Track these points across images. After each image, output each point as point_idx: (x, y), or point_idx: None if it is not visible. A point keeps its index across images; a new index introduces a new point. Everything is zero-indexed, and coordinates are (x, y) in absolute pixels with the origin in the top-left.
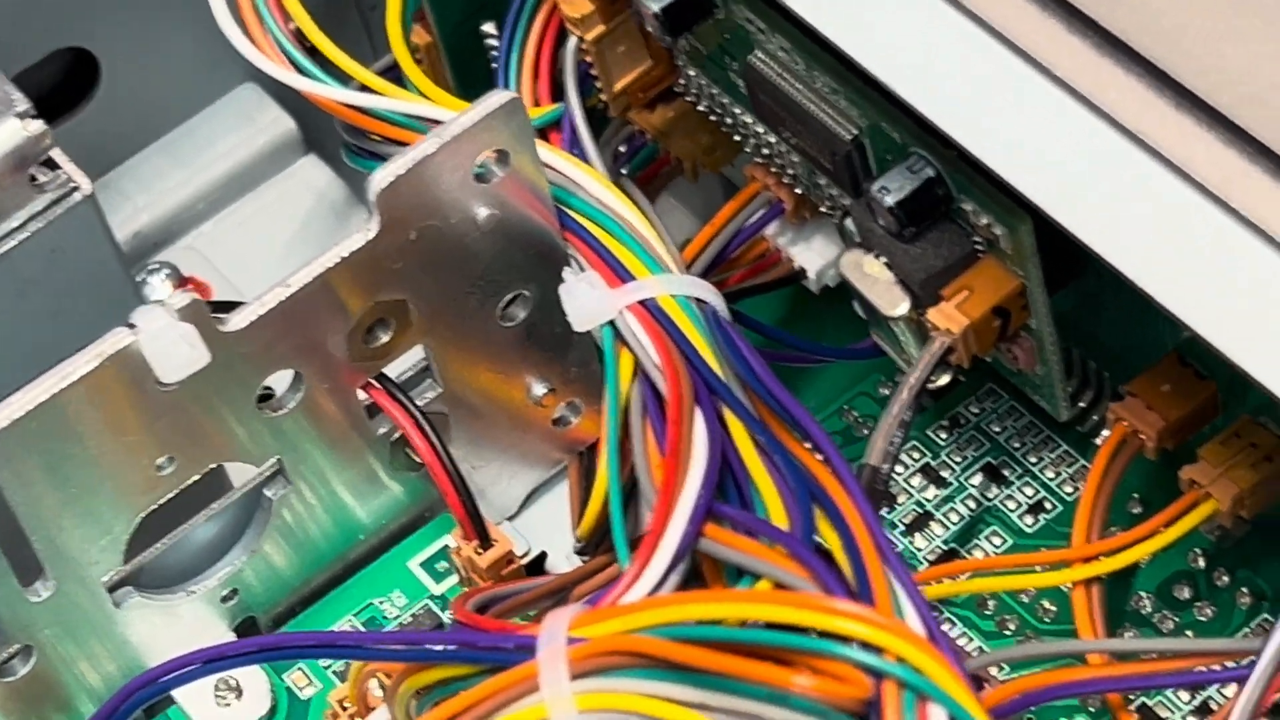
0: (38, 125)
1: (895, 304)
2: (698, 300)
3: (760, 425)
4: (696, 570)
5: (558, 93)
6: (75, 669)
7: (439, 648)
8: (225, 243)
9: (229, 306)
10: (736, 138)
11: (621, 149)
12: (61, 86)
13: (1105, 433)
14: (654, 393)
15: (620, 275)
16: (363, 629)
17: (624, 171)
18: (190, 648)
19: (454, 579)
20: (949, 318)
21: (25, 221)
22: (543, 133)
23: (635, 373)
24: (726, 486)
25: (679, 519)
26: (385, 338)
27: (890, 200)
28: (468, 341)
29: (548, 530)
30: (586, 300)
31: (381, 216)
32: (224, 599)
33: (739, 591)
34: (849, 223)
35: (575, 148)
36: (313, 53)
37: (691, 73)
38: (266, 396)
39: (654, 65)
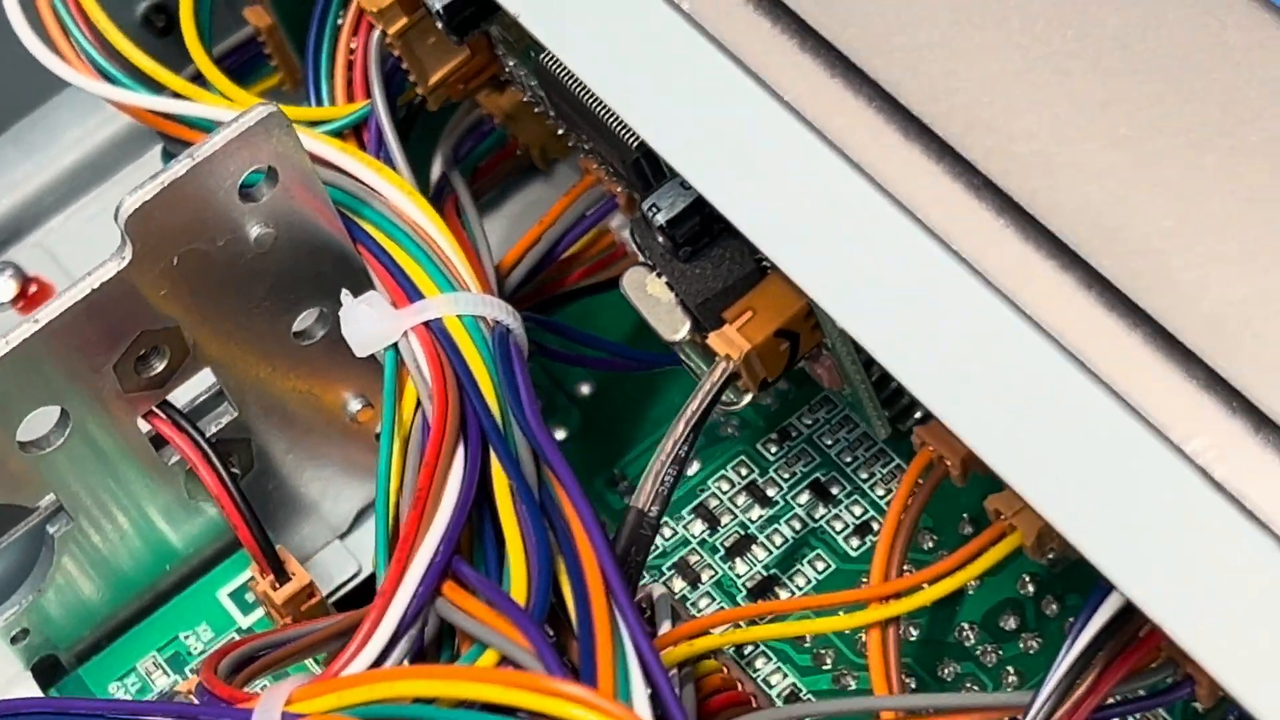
0: None
1: (676, 328)
2: (497, 322)
3: (519, 474)
4: None
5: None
6: None
7: (160, 718)
8: (74, 238)
9: None
10: (560, 131)
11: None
12: None
13: None
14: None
15: (409, 294)
16: (169, 665)
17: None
18: None
19: (262, 610)
20: (730, 342)
21: None
22: (357, 131)
23: (418, 400)
24: (485, 536)
25: (411, 577)
26: (160, 366)
27: (661, 219)
28: (262, 362)
29: None
30: (366, 323)
31: (134, 244)
32: (13, 640)
33: (456, 669)
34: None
35: (381, 149)
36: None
37: (510, 63)
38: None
39: (472, 55)
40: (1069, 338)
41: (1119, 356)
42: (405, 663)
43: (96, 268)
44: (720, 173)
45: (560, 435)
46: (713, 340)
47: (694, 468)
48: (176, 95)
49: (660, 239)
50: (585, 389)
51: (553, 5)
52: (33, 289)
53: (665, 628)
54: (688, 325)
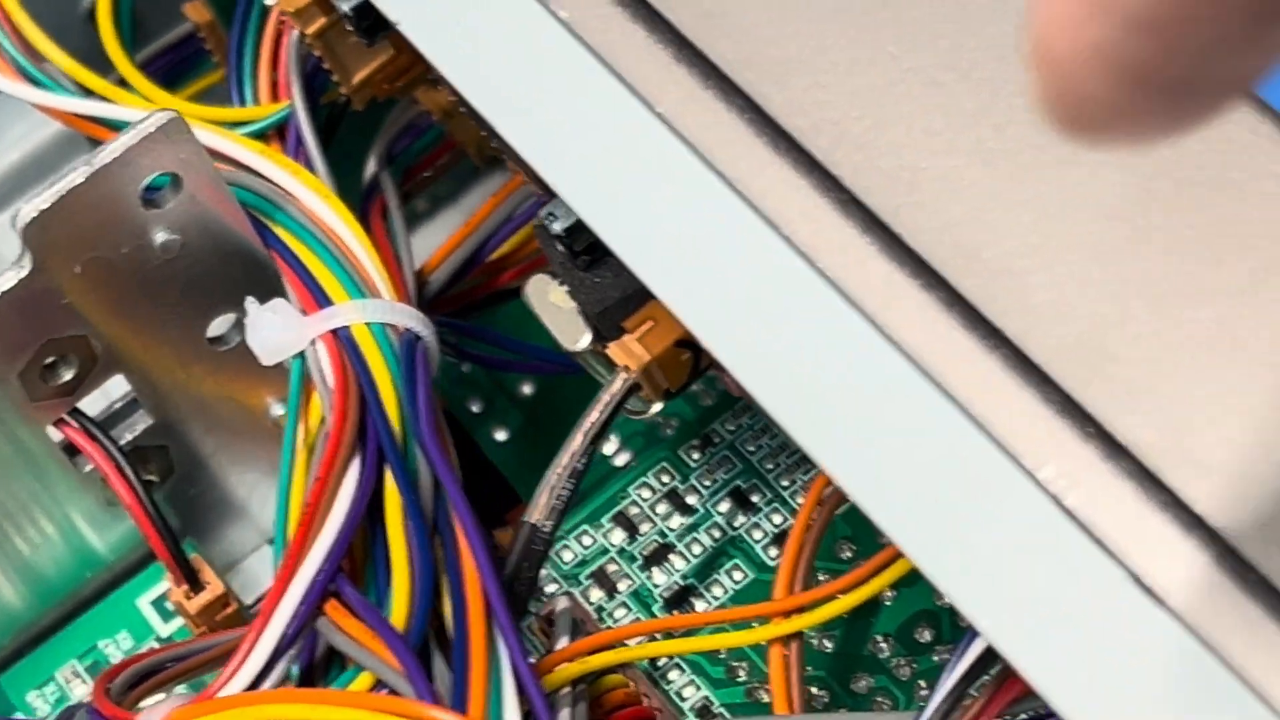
0: None
1: (576, 337)
2: (407, 330)
3: (410, 491)
4: None
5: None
6: None
7: None
8: (13, 242)
9: None
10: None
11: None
12: None
13: None
14: None
15: (319, 300)
16: (88, 673)
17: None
18: None
19: (182, 620)
20: (629, 353)
21: None
22: (281, 132)
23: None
24: (376, 554)
25: (291, 597)
26: (69, 374)
27: (557, 227)
28: (178, 368)
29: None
30: (270, 331)
31: (33, 254)
32: None
33: (327, 693)
34: None
35: (300, 151)
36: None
37: None
38: None
39: (398, 54)
40: (928, 359)
41: (977, 379)
42: (291, 681)
43: None
44: (591, 187)
45: (501, 436)
46: (612, 350)
47: (627, 468)
48: (99, 98)
49: (558, 247)
50: (527, 389)
51: (432, 13)
52: None
53: (562, 643)
54: (589, 335)
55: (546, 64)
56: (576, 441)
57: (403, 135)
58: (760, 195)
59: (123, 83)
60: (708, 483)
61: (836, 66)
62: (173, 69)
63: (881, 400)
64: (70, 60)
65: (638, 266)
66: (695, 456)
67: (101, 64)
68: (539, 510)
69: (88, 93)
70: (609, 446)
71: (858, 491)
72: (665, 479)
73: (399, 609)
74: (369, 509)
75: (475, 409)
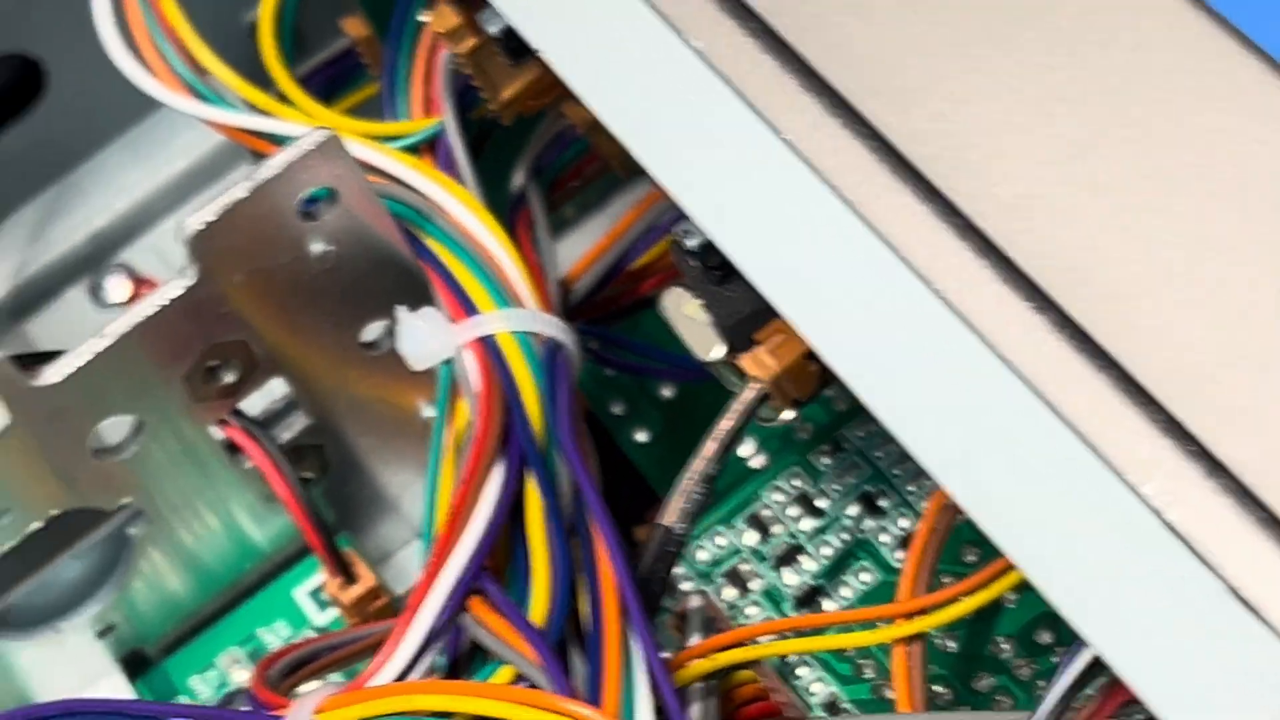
0: None
1: (709, 348)
2: (550, 338)
3: (551, 494)
4: None
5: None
6: None
7: None
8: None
9: (51, 357)
10: None
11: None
12: (9, 91)
13: None
14: None
15: (467, 309)
16: (248, 660)
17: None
18: (73, 681)
19: (337, 610)
20: (759, 364)
21: None
22: (433, 146)
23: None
24: (518, 553)
25: (438, 593)
26: (230, 377)
27: (692, 243)
28: (333, 372)
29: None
30: (420, 339)
31: (199, 264)
32: (101, 634)
33: (470, 685)
34: None
35: (451, 165)
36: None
37: None
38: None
39: (543, 72)
40: (1039, 378)
41: (1085, 399)
42: (438, 673)
43: (164, 285)
44: (721, 209)
45: (642, 437)
46: (744, 362)
47: (761, 471)
48: (261, 112)
49: (692, 262)
50: (667, 393)
51: (573, 41)
52: (145, 290)
53: (695, 640)
54: (722, 346)
55: (680, 91)
56: (708, 448)
57: (549, 148)
58: (881, 219)
59: (283, 97)
60: (837, 487)
61: (955, 96)
62: (331, 82)
63: (994, 417)
64: (233, 75)
65: (763, 284)
66: (825, 461)
67: (261, 77)
68: (672, 513)
69: (249, 107)
70: (745, 449)
71: (971, 504)
72: (797, 483)
73: (538, 606)
74: (510, 510)
75: (617, 411)
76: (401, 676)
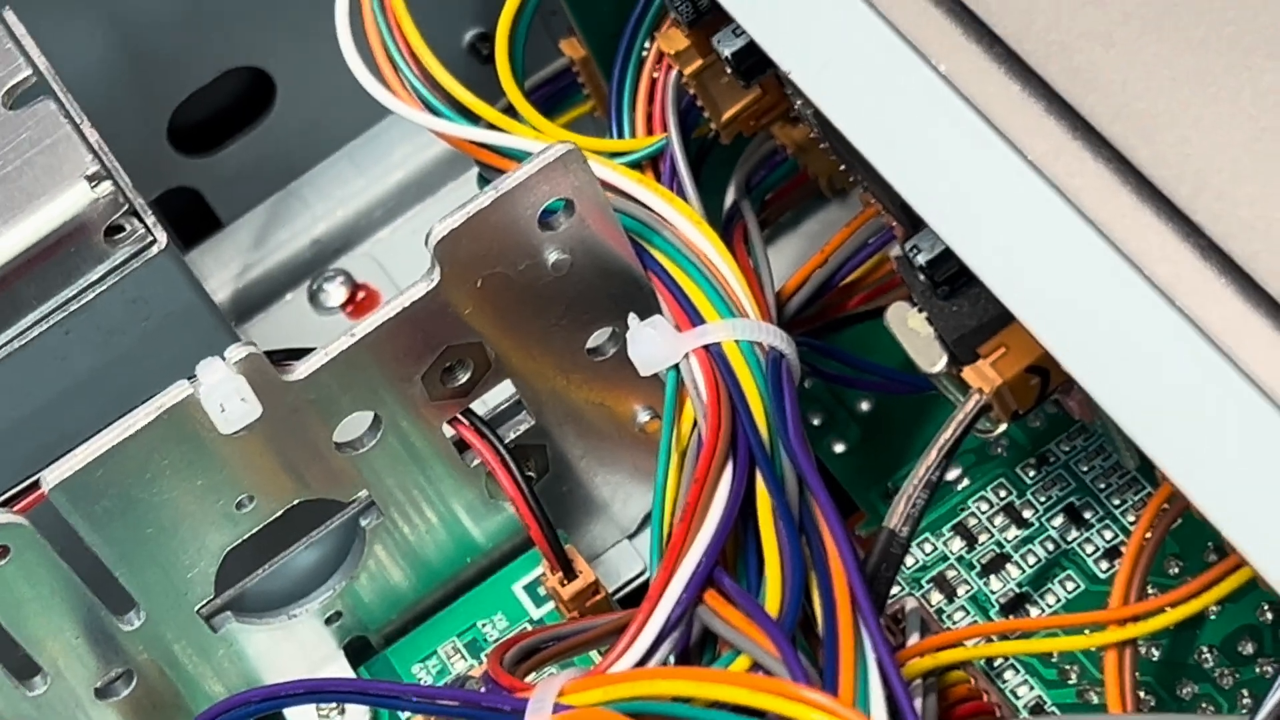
0: (105, 188)
1: (933, 361)
2: (771, 347)
3: (781, 494)
4: None
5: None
6: (187, 687)
7: (449, 703)
8: (401, 249)
9: (301, 354)
10: (841, 167)
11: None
12: (240, 103)
13: None
14: None
15: (692, 318)
16: (466, 650)
17: (751, 189)
18: (300, 665)
19: (552, 604)
20: (983, 376)
21: (104, 275)
22: (654, 162)
23: (695, 419)
24: (748, 549)
25: (676, 585)
26: (464, 377)
27: (922, 259)
28: (558, 375)
29: None
30: (650, 345)
31: (442, 267)
32: (328, 620)
33: (711, 672)
34: None
35: (674, 180)
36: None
37: (798, 102)
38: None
39: (763, 93)
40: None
41: None
42: (670, 662)
43: (408, 288)
44: (965, 225)
45: (839, 448)
46: (967, 374)
47: (961, 484)
48: (491, 126)
49: (921, 278)
50: (864, 406)
51: (820, 64)
52: (361, 295)
53: (914, 639)
54: (945, 359)
55: (925, 111)
56: (932, 456)
57: (759, 167)
58: (1124, 237)
59: (509, 110)
60: (1043, 498)
61: (1200, 123)
62: (547, 100)
63: (1235, 427)
64: (464, 89)
65: (1004, 294)
66: (1031, 474)
67: (481, 91)
68: (896, 517)
69: (474, 119)
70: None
71: (1204, 502)
72: (1002, 494)
73: (773, 600)
74: (741, 508)
75: (816, 422)
76: (641, 663)
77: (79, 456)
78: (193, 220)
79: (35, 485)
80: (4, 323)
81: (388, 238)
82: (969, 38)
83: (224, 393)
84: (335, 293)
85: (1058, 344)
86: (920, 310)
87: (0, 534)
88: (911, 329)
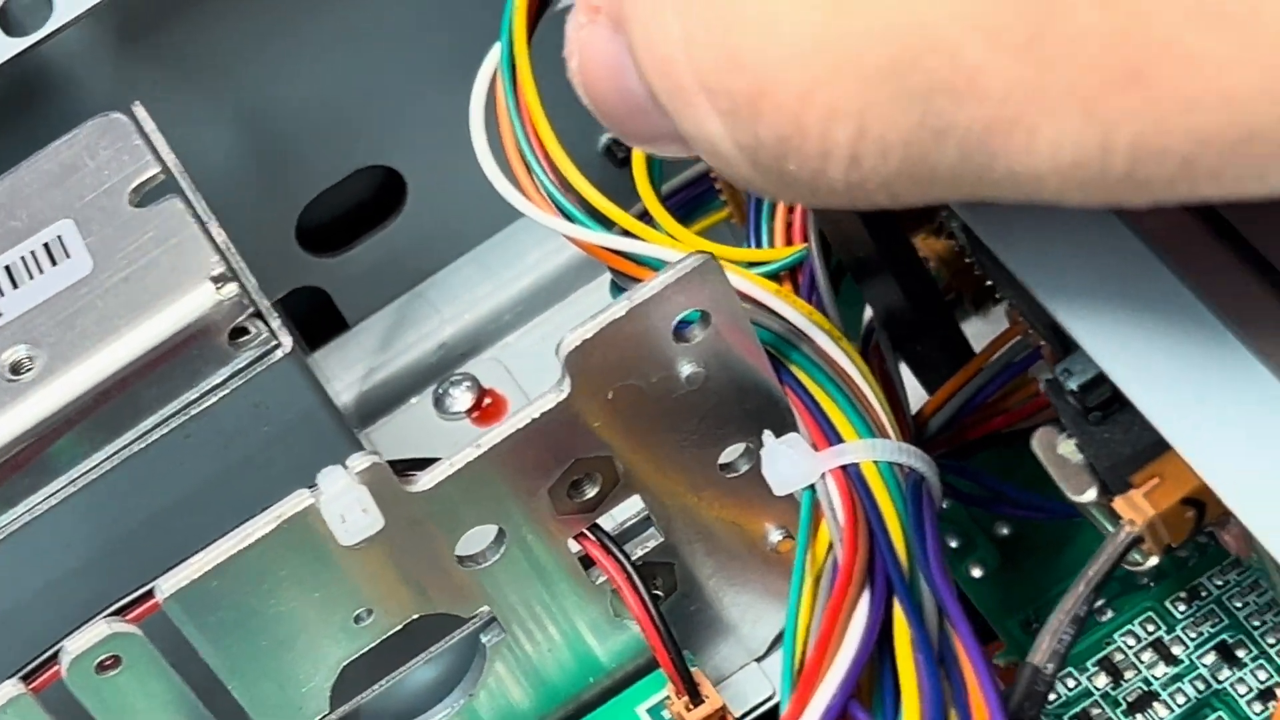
0: (231, 289)
1: (1082, 489)
2: (912, 469)
3: (920, 624)
4: None
5: None
6: None
7: None
8: (528, 354)
9: (424, 464)
10: (988, 283)
11: None
12: (371, 202)
13: None
14: None
15: (829, 437)
16: None
17: None
18: None
19: None
20: (1135, 507)
21: (227, 378)
22: (792, 273)
23: (831, 542)
24: (884, 681)
25: (809, 718)
26: (592, 491)
27: (1073, 384)
28: (689, 491)
29: None
30: (785, 464)
31: (573, 378)
32: None
33: None
34: None
35: (813, 293)
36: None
37: (943, 214)
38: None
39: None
40: None
41: None
42: None
43: (537, 398)
44: (1121, 349)
45: (977, 573)
46: (1118, 504)
47: (1105, 615)
48: (625, 232)
49: (1071, 402)
50: (1004, 530)
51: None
52: (487, 401)
53: None
54: (1095, 488)
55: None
56: (1080, 589)
57: None
58: None
59: (644, 216)
60: (1193, 635)
61: None
62: (683, 206)
63: None
64: (598, 194)
65: (1161, 422)
66: (1181, 608)
67: (616, 196)
68: (1041, 653)
69: (608, 224)
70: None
71: None
72: (1150, 628)
73: None
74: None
75: (953, 544)
76: None
77: (195, 565)
78: (319, 320)
79: (149, 594)
80: (124, 425)
81: (515, 343)
82: None
83: (345, 503)
84: (461, 398)
85: (1216, 477)
86: (1069, 436)
87: (113, 644)
88: (1060, 455)
